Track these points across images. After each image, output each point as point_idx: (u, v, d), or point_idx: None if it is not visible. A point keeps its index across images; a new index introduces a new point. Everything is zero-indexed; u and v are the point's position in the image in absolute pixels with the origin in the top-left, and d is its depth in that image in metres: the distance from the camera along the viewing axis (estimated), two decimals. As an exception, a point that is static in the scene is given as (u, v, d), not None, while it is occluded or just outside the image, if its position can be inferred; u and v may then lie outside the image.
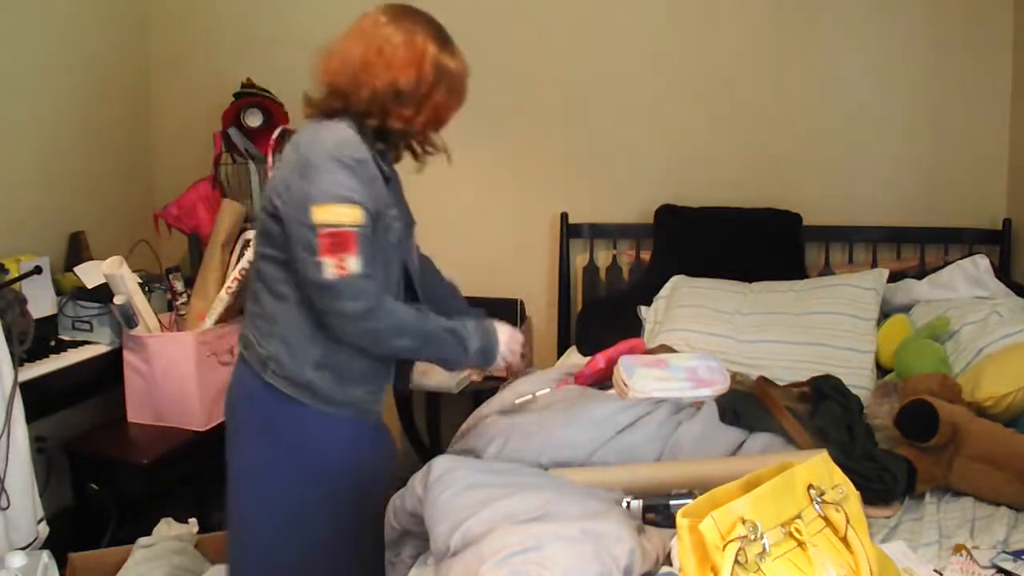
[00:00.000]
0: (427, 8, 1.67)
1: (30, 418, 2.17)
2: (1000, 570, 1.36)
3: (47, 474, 2.58)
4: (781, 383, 2.08)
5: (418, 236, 1.84)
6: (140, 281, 2.63)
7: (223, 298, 2.60)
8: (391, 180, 1.71)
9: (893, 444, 1.80)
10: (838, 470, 1.15)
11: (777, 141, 3.01)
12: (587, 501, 1.42)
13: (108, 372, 2.62)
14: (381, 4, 1.66)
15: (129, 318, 2.56)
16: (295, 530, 1.73)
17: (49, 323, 2.60)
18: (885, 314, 2.59)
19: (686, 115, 3.07)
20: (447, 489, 1.40)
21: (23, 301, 2.32)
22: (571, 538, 1.27)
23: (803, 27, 2.95)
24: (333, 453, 1.72)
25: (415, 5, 1.67)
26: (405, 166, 1.78)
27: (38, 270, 2.49)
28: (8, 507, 2.05)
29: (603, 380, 2.10)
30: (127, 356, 2.62)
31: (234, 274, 2.57)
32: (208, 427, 2.59)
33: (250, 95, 3.12)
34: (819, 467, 1.13)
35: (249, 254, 2.51)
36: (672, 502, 1.43)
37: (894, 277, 2.70)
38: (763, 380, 2.03)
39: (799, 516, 1.07)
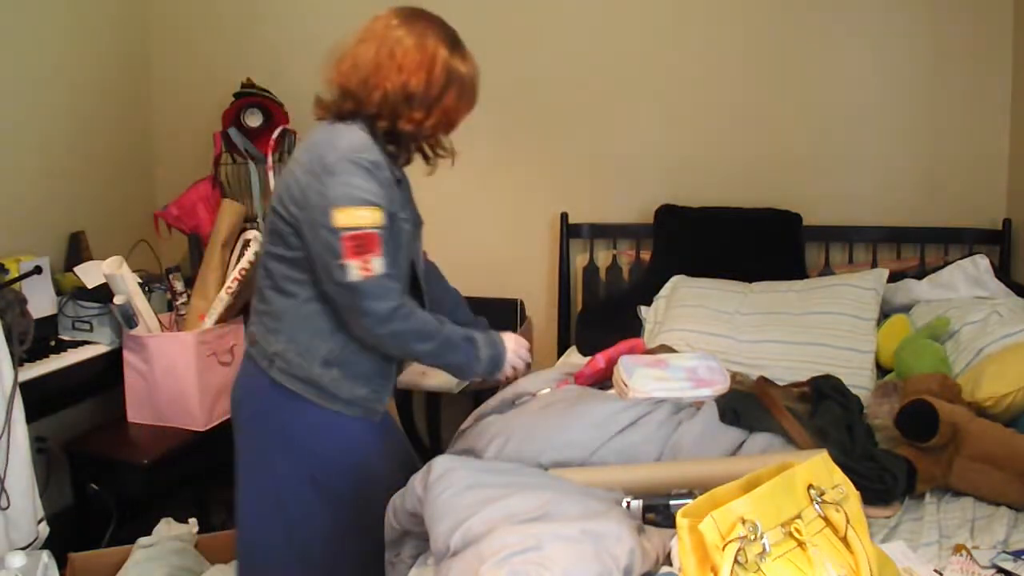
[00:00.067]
0: (428, 8, 1.68)
1: (30, 418, 2.17)
2: (1000, 570, 1.36)
3: (47, 474, 2.58)
4: (781, 383, 2.08)
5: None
6: (140, 281, 2.63)
7: (223, 298, 2.60)
8: (401, 182, 1.72)
9: (893, 444, 1.80)
10: (838, 470, 1.15)
11: (777, 141, 3.01)
12: (587, 501, 1.42)
13: (108, 372, 2.62)
14: (393, 6, 1.67)
15: (129, 318, 2.56)
16: (296, 527, 1.73)
17: (49, 323, 2.59)
18: (885, 314, 2.59)
19: (686, 115, 3.07)
20: (447, 489, 1.40)
21: (23, 301, 2.32)
22: (571, 538, 1.27)
23: (803, 27, 2.95)
24: (336, 451, 1.72)
25: (416, 5, 1.68)
26: (416, 168, 1.79)
27: (38, 270, 2.49)
28: (8, 507, 2.05)
29: (603, 380, 2.10)
30: (127, 356, 2.61)
31: (234, 274, 2.57)
32: (208, 427, 2.59)
33: (250, 95, 3.12)
34: (819, 467, 1.13)
35: (249, 254, 2.51)
36: (672, 502, 1.43)
37: (894, 277, 2.70)
38: (763, 380, 2.03)
39: (799, 516, 1.07)
